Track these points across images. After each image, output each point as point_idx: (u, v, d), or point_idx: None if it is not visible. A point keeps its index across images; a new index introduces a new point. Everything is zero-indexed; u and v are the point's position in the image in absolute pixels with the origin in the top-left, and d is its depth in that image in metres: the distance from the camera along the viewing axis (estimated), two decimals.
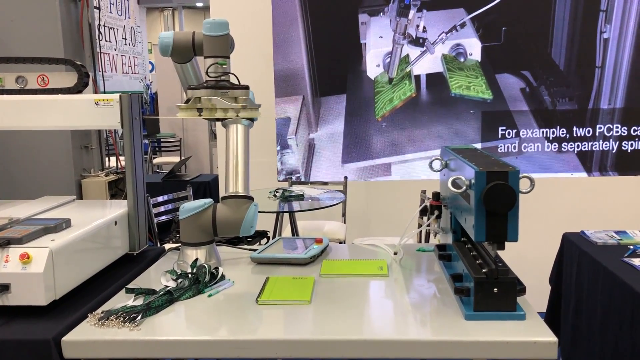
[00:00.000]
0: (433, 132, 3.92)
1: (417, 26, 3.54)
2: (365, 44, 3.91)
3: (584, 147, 3.87)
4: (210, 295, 1.55)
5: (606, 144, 3.86)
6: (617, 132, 3.84)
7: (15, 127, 1.82)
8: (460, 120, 3.90)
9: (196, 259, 1.71)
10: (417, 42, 3.51)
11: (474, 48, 3.83)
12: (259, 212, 1.79)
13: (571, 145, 3.88)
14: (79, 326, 1.36)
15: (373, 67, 3.92)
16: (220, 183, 4.76)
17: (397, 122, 3.94)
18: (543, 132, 3.87)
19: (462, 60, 3.84)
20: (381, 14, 3.85)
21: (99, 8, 3.82)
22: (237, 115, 1.75)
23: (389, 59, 3.65)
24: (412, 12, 3.51)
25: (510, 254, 1.92)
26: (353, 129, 3.96)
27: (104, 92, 3.61)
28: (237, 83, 1.79)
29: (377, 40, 3.89)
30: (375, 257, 1.87)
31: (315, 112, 3.99)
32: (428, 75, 3.90)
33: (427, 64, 3.88)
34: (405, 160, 3.96)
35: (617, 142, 3.85)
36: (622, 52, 3.77)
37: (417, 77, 3.90)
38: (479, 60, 3.84)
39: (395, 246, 1.89)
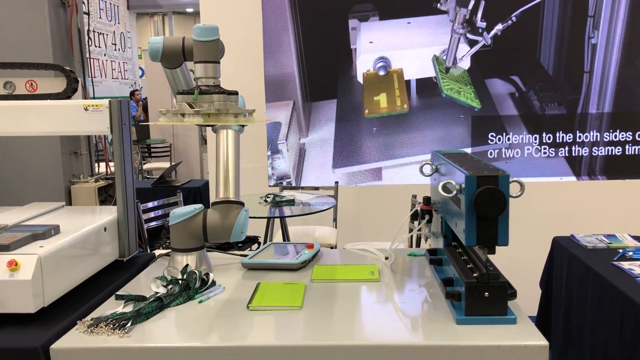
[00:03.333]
0: (423, 136, 3.93)
1: (474, 16, 3.57)
2: (355, 49, 3.92)
3: (573, 152, 3.90)
4: (200, 302, 1.54)
5: (595, 148, 3.89)
6: (605, 136, 3.87)
7: (3, 133, 1.80)
8: (450, 125, 3.92)
9: (186, 265, 1.70)
10: (476, 31, 3.54)
11: (463, 53, 3.85)
12: (250, 217, 1.79)
13: (560, 149, 3.90)
14: (67, 334, 1.35)
15: (363, 71, 3.93)
16: (210, 188, 4.74)
17: (388, 127, 3.95)
18: (532, 136, 3.90)
19: (450, 65, 3.86)
20: (371, 18, 3.87)
21: (88, 13, 3.81)
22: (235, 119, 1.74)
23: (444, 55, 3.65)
24: (471, 3, 3.55)
25: (501, 258, 1.93)
26: (343, 133, 3.97)
27: (94, 98, 3.59)
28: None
29: (368, 46, 3.90)
30: (366, 262, 1.87)
31: (305, 117, 3.99)
32: (418, 81, 3.91)
33: (417, 69, 3.90)
34: (395, 165, 3.97)
35: (606, 147, 3.88)
36: (610, 57, 3.81)
37: (408, 83, 3.91)
38: (469, 65, 3.86)
39: (386, 251, 1.89)
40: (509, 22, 3.64)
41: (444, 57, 3.86)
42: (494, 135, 3.91)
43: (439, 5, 3.73)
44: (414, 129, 3.94)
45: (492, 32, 3.68)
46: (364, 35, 3.90)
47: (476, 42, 3.70)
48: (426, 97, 3.91)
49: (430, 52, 3.88)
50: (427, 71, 3.90)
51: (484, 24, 3.69)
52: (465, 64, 3.86)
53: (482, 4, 3.70)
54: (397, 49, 3.89)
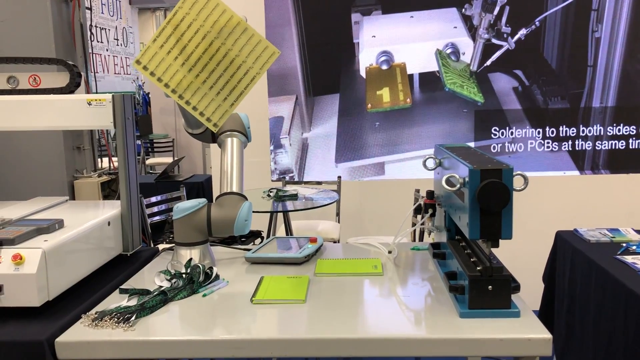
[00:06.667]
0: (426, 131, 3.92)
1: (499, 21, 3.59)
2: (358, 43, 3.91)
3: (576, 146, 3.89)
4: (204, 295, 1.55)
5: (598, 142, 3.88)
6: (609, 130, 3.86)
7: (6, 127, 1.80)
8: (453, 119, 3.91)
9: (190, 259, 1.71)
10: (501, 36, 3.56)
11: (466, 47, 3.83)
12: (253, 212, 1.79)
13: (563, 143, 3.89)
14: (72, 327, 1.36)
15: (365, 66, 3.92)
16: (213, 187, 4.75)
17: (391, 122, 3.95)
18: (536, 130, 3.89)
19: (454, 59, 3.85)
20: (374, 12, 3.86)
21: (90, 9, 3.81)
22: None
23: (450, 49, 3.66)
24: (497, 8, 3.58)
25: (504, 252, 1.93)
26: (346, 128, 3.97)
27: (96, 93, 3.59)
28: None
29: (370, 40, 3.89)
30: (369, 256, 1.88)
31: (308, 111, 3.99)
32: (421, 75, 3.90)
33: (420, 63, 3.89)
34: (398, 159, 3.97)
35: (609, 141, 3.87)
36: (614, 51, 3.79)
37: (410, 77, 3.90)
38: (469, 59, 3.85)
39: (389, 245, 1.89)
40: (533, 26, 3.64)
41: (448, 51, 3.85)
42: (497, 129, 3.90)
43: (463, 10, 3.73)
44: (416, 124, 3.93)
45: (516, 37, 3.69)
46: (367, 29, 3.89)
47: (500, 46, 3.71)
48: (429, 91, 3.91)
49: (433, 46, 3.86)
50: (430, 65, 3.88)
51: (508, 29, 3.70)
52: (467, 56, 3.84)
53: (507, 9, 3.70)
54: (400, 43, 3.88)
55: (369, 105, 3.92)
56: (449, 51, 3.84)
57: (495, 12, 3.68)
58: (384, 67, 3.90)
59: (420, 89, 3.90)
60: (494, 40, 3.69)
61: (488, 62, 3.76)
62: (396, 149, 3.97)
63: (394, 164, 3.98)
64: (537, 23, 3.56)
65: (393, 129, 3.94)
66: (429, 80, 3.90)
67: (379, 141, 3.96)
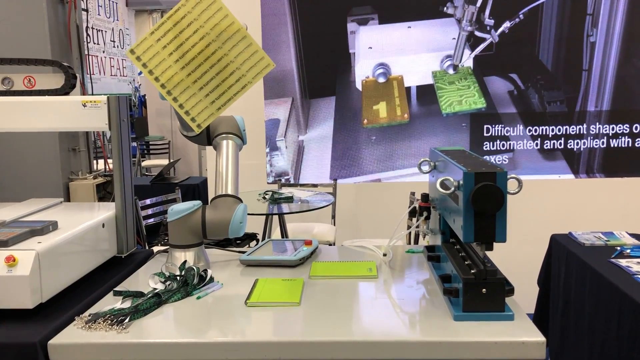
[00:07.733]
0: (425, 146, 3.90)
1: (482, 14, 3.59)
2: (354, 53, 3.89)
3: (571, 149, 3.90)
4: (199, 298, 1.54)
5: (594, 144, 3.89)
6: (603, 134, 3.88)
7: (1, 129, 1.80)
8: (451, 133, 3.90)
9: (185, 261, 1.71)
10: (484, 28, 3.56)
11: (464, 58, 3.83)
12: (248, 214, 1.80)
13: (558, 147, 3.91)
14: (65, 329, 1.35)
15: (362, 78, 3.89)
16: (209, 190, 4.74)
17: (387, 136, 3.93)
18: (531, 134, 3.90)
19: (451, 72, 3.83)
20: (370, 22, 3.85)
21: (86, 10, 3.80)
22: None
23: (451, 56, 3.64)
24: (480, 0, 3.57)
25: (499, 255, 1.93)
26: (341, 142, 3.93)
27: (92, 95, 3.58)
28: None
29: (367, 51, 3.86)
30: (364, 258, 1.88)
31: (304, 114, 3.99)
32: (419, 87, 3.88)
33: (418, 76, 3.86)
34: (395, 176, 3.94)
35: (604, 145, 3.89)
36: (609, 55, 3.81)
37: (408, 89, 3.88)
38: (471, 63, 3.86)
39: (384, 248, 1.89)
40: (517, 19, 3.64)
41: (444, 65, 3.84)
42: (492, 132, 3.91)
43: (445, 9, 3.71)
44: (414, 138, 3.91)
45: (500, 30, 3.69)
46: (363, 39, 3.87)
47: (483, 39, 3.70)
48: (427, 104, 3.89)
49: (432, 58, 3.85)
50: (429, 77, 3.87)
51: (491, 22, 3.68)
52: (466, 65, 3.85)
53: (490, 1, 3.69)
54: (397, 55, 3.86)
55: (365, 121, 3.90)
56: (447, 64, 3.82)
57: (479, 4, 3.67)
58: (381, 79, 3.88)
59: (417, 101, 3.88)
60: (477, 33, 3.68)
61: (472, 55, 3.75)
62: (393, 165, 3.95)
63: (391, 181, 3.96)
64: (520, 16, 3.56)
65: (390, 144, 3.92)
66: (427, 93, 3.88)
67: (375, 157, 3.94)
